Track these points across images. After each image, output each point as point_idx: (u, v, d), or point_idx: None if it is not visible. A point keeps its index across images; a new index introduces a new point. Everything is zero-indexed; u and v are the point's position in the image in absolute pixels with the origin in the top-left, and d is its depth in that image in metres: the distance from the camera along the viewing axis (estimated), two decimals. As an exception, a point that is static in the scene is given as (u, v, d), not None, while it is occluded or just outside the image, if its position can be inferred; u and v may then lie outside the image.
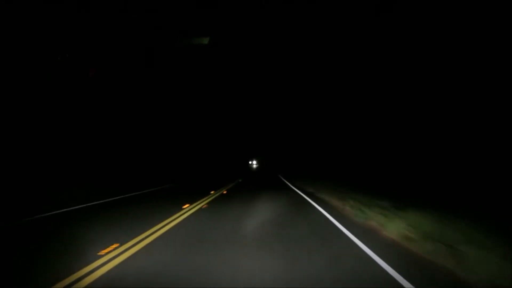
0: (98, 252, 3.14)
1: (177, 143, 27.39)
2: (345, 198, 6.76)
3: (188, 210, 5.95)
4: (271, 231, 4.17)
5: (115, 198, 8.30)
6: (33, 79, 9.92)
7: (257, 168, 56.28)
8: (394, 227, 3.91)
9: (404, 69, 10.17)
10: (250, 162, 69.39)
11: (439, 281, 2.51)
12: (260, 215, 5.51)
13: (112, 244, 3.45)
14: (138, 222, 4.76)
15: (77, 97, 12.24)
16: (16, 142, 9.24)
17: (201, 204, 6.93)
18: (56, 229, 4.56)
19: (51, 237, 4.01)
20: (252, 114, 43.64)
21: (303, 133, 28.54)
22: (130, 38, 11.98)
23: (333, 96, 18.11)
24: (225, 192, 10.13)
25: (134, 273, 2.64)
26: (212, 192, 9.84)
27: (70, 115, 12.23)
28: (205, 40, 9.72)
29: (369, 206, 5.41)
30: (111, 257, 3.01)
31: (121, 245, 3.43)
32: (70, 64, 11.08)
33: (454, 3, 7.49)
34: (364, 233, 4.01)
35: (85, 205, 6.91)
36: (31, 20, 9.10)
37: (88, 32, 10.62)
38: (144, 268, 2.76)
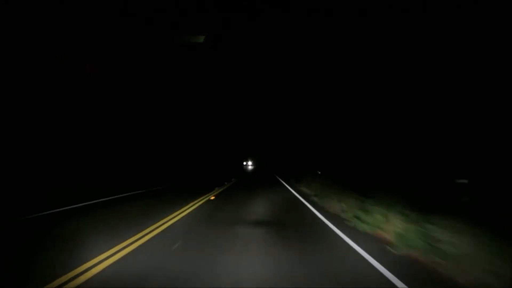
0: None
1: (177, 143, 27.40)
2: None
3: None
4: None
5: (131, 193, 10.15)
6: (33, 79, 9.91)
7: (253, 169, 51.77)
8: None
9: (404, 69, 10.16)
10: (244, 163, 63.91)
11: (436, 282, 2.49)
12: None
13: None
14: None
15: (76, 96, 12.23)
16: (19, 143, 9.24)
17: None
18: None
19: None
20: (252, 114, 43.59)
21: (303, 133, 28.50)
22: (130, 37, 11.96)
23: (333, 96, 18.10)
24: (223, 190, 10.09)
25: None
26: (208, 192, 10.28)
27: (69, 115, 12.22)
28: (201, 39, 9.83)
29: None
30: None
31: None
32: (69, 63, 11.07)
33: (454, 3, 7.48)
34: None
35: (112, 197, 8.86)
36: (30, 20, 9.08)
37: (87, 32, 10.61)
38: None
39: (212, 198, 9.15)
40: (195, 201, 8.07)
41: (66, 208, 6.69)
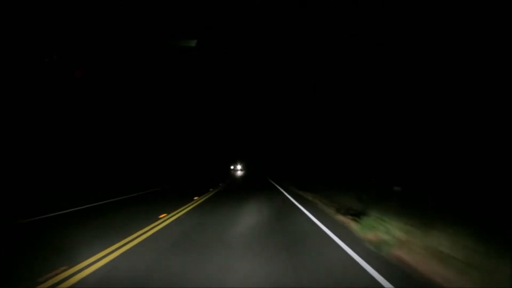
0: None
1: (174, 143, 27.31)
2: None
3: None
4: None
5: (131, 195, 10.74)
6: (25, 81, 9.81)
7: (243, 175, 40.45)
8: None
9: (403, 68, 10.14)
10: (232, 167, 58.27)
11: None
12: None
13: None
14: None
15: (69, 100, 12.17)
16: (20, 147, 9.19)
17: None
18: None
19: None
20: (251, 114, 43.43)
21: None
22: (126, 38, 11.88)
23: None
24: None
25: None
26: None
27: (63, 118, 12.14)
28: (193, 43, 9.78)
29: None
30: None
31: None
32: (65, 66, 10.99)
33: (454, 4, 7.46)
34: None
35: (121, 197, 9.80)
36: (22, 21, 8.99)
37: (84, 34, 10.55)
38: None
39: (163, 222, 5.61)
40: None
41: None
